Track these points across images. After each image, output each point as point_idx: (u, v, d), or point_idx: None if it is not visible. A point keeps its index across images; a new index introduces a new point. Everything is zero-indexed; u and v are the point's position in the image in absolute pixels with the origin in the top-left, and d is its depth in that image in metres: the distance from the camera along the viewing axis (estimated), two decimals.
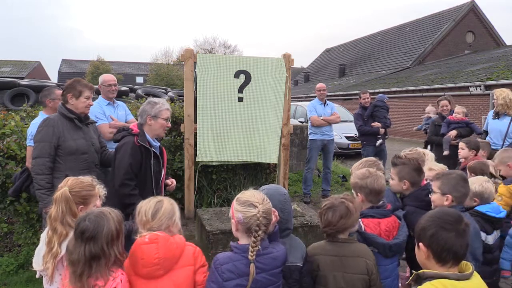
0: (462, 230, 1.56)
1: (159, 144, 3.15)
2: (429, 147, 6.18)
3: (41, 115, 3.65)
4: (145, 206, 1.92)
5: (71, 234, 2.02)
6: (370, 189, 2.35)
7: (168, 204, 1.94)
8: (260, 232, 1.79)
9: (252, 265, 1.78)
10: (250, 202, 1.83)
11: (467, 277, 1.50)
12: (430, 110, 6.53)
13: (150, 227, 1.86)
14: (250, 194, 1.89)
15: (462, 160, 4.05)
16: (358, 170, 2.67)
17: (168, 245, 1.80)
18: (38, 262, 2.09)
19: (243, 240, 1.86)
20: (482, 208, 2.61)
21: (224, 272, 1.77)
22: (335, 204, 2.08)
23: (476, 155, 3.95)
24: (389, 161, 3.46)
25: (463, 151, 3.96)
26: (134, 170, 2.89)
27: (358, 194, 2.42)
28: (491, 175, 3.30)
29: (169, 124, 3.11)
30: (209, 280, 1.83)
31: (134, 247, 1.81)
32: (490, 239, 2.59)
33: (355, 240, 2.14)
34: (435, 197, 2.41)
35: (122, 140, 2.96)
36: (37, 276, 2.15)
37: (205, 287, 1.87)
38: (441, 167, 3.11)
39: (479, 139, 4.51)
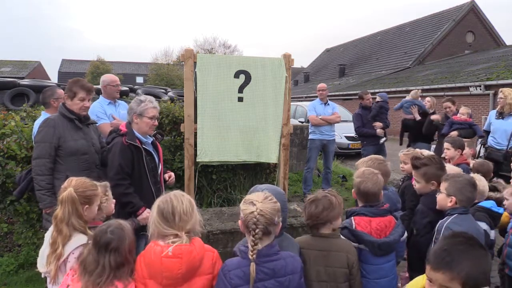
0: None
1: (151, 139, 3.13)
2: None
3: (44, 115, 3.64)
4: (178, 206, 1.80)
5: (74, 236, 2.03)
6: (360, 191, 2.41)
7: (187, 202, 1.84)
8: (257, 231, 1.74)
9: (252, 264, 1.72)
10: (251, 201, 1.83)
11: None
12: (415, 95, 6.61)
13: (188, 227, 1.78)
14: (254, 194, 1.89)
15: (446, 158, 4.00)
16: (363, 167, 2.73)
17: (192, 258, 1.75)
18: (42, 263, 2.08)
19: (249, 241, 1.83)
20: (486, 204, 2.70)
21: (232, 278, 1.74)
22: (318, 197, 2.17)
23: (461, 154, 3.91)
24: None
25: (449, 151, 3.90)
26: (126, 169, 2.88)
27: (353, 190, 2.50)
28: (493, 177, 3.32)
29: (156, 123, 3.05)
30: (217, 287, 1.79)
31: (154, 257, 1.73)
32: (493, 234, 2.65)
33: (338, 235, 2.24)
34: (440, 197, 2.45)
35: (112, 142, 2.97)
36: (42, 276, 2.15)
37: None
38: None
39: (464, 139, 4.47)
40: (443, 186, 2.44)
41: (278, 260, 1.81)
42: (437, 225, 2.38)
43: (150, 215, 1.86)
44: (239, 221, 1.87)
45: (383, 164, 2.91)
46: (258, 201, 1.81)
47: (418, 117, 6.38)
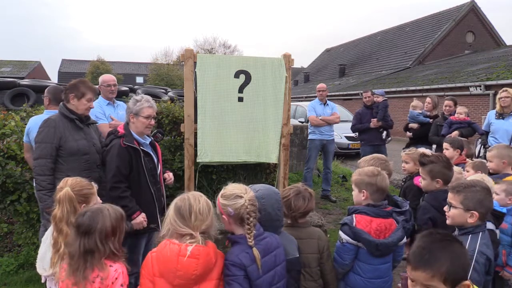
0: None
1: (150, 140, 3.10)
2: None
3: (47, 113, 3.62)
4: (195, 205, 1.81)
5: None
6: (378, 187, 2.34)
7: (204, 202, 1.86)
8: (252, 219, 1.88)
9: (254, 249, 1.86)
10: (236, 194, 1.91)
11: None
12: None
13: (203, 227, 1.79)
14: (233, 187, 1.97)
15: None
16: (366, 166, 2.70)
17: (209, 260, 1.75)
18: (43, 267, 2.07)
19: (239, 232, 1.93)
20: None
21: (242, 259, 1.83)
22: (300, 190, 2.32)
23: (460, 154, 3.90)
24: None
25: (448, 151, 3.84)
26: (124, 172, 2.86)
27: (363, 190, 2.37)
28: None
29: (152, 122, 3.02)
30: (230, 274, 1.82)
31: (170, 255, 1.71)
32: (498, 234, 2.63)
33: (310, 224, 2.43)
34: (455, 213, 2.10)
35: (110, 143, 2.96)
36: (42, 280, 2.14)
37: (229, 282, 1.81)
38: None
39: (462, 138, 4.47)
40: (457, 199, 2.08)
41: (266, 238, 1.97)
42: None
43: (166, 214, 1.85)
44: (223, 217, 1.95)
45: (385, 164, 2.90)
46: (243, 193, 1.92)
47: (415, 126, 6.34)
